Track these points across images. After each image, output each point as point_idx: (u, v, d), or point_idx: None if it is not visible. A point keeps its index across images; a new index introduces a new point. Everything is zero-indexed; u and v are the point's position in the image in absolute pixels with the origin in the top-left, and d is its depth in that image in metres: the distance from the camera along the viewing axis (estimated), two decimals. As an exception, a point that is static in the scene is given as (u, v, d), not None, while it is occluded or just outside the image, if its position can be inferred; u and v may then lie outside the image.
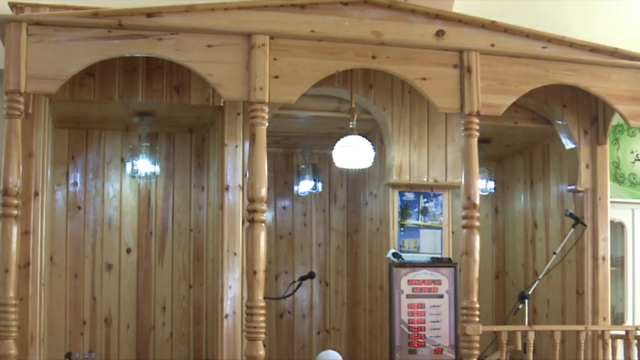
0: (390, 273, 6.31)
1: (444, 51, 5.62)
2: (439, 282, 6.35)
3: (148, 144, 6.83)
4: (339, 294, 7.84)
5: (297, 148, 7.74)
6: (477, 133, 5.61)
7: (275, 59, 5.27)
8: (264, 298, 5.16)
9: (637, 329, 6.13)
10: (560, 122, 6.79)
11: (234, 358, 5.81)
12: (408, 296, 6.29)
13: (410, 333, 6.25)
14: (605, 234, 6.71)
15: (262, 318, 5.11)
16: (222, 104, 6.04)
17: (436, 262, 6.42)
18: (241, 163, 6.00)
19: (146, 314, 7.15)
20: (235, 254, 5.92)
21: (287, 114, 6.37)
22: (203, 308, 7.13)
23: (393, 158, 6.49)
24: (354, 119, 6.19)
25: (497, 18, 5.89)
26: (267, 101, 5.22)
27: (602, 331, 6.08)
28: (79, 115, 6.73)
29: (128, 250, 7.18)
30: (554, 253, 6.47)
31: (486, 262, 8.05)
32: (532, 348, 5.79)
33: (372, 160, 6.32)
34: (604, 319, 6.57)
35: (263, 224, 5.15)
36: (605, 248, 6.68)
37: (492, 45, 5.78)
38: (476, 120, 5.60)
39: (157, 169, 6.94)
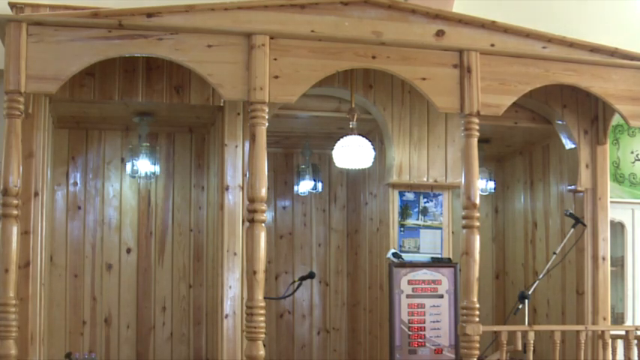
0: (390, 273, 6.31)
1: (444, 51, 5.62)
2: (439, 282, 6.35)
3: (148, 144, 6.83)
4: (339, 294, 7.84)
5: (297, 148, 7.74)
6: (477, 133, 5.61)
7: (275, 59, 5.27)
8: (264, 298, 5.15)
9: (637, 329, 6.13)
10: (560, 122, 6.79)
11: (234, 358, 5.81)
12: (408, 296, 6.29)
13: (410, 333, 6.25)
14: (605, 234, 6.71)
15: (262, 318, 5.11)
16: (222, 104, 6.04)
17: (436, 262, 6.42)
18: (241, 163, 6.00)
19: (146, 314, 7.15)
20: (235, 254, 5.92)
21: (287, 114, 6.37)
22: (203, 308, 7.13)
23: (393, 158, 6.49)
24: (354, 119, 6.19)
25: (497, 18, 5.89)
26: (267, 101, 5.22)
27: (602, 331, 6.08)
28: (79, 115, 6.73)
29: (128, 250, 7.18)
30: (554, 253, 6.47)
31: (486, 262, 8.05)
32: (532, 348, 5.79)
33: (372, 160, 6.32)
34: (604, 319, 6.57)
35: (263, 224, 5.15)
36: (605, 248, 6.68)
37: (492, 45, 5.78)
38: (476, 120, 5.60)
39: (156, 169, 6.94)
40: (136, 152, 6.84)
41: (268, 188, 5.69)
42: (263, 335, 5.12)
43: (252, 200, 5.16)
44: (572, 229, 6.49)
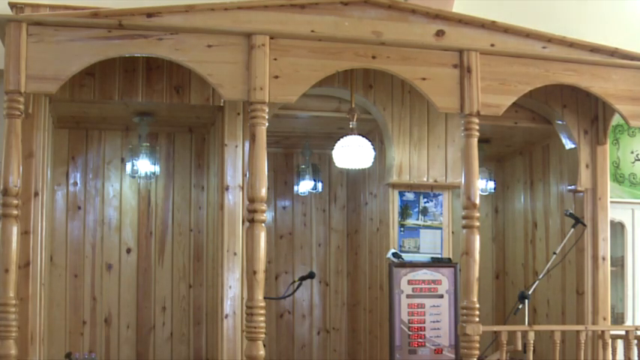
0: (390, 273, 6.31)
1: (444, 51, 5.62)
2: (439, 282, 6.35)
3: (148, 144, 6.83)
4: (339, 294, 7.84)
5: (297, 148, 7.74)
6: (477, 133, 5.61)
7: (275, 59, 5.27)
8: (264, 298, 5.15)
9: (637, 329, 6.13)
10: (560, 122, 6.79)
11: (234, 358, 5.81)
12: (408, 296, 6.29)
13: (410, 333, 6.25)
14: (605, 234, 6.71)
15: (262, 318, 5.11)
16: (222, 104, 6.04)
17: (436, 262, 6.42)
18: (241, 163, 6.00)
19: (146, 314, 7.15)
20: (235, 254, 5.92)
21: (287, 114, 6.37)
22: (203, 308, 7.13)
23: (393, 158, 6.49)
24: (354, 119, 6.19)
25: (497, 18, 5.89)
26: (267, 101, 5.22)
27: (602, 331, 6.08)
28: (79, 115, 6.73)
29: (128, 250, 7.18)
30: (554, 253, 6.47)
31: (486, 262, 8.05)
32: (532, 348, 5.79)
33: (372, 160, 6.32)
34: (604, 319, 6.57)
35: (263, 224, 5.15)
36: (605, 248, 6.68)
37: (492, 45, 5.78)
38: (476, 120, 5.60)
39: (156, 169, 6.94)
40: (136, 152, 6.84)
41: (268, 188, 5.69)
42: (263, 335, 5.12)
43: (252, 200, 5.16)
44: (572, 229, 6.49)
